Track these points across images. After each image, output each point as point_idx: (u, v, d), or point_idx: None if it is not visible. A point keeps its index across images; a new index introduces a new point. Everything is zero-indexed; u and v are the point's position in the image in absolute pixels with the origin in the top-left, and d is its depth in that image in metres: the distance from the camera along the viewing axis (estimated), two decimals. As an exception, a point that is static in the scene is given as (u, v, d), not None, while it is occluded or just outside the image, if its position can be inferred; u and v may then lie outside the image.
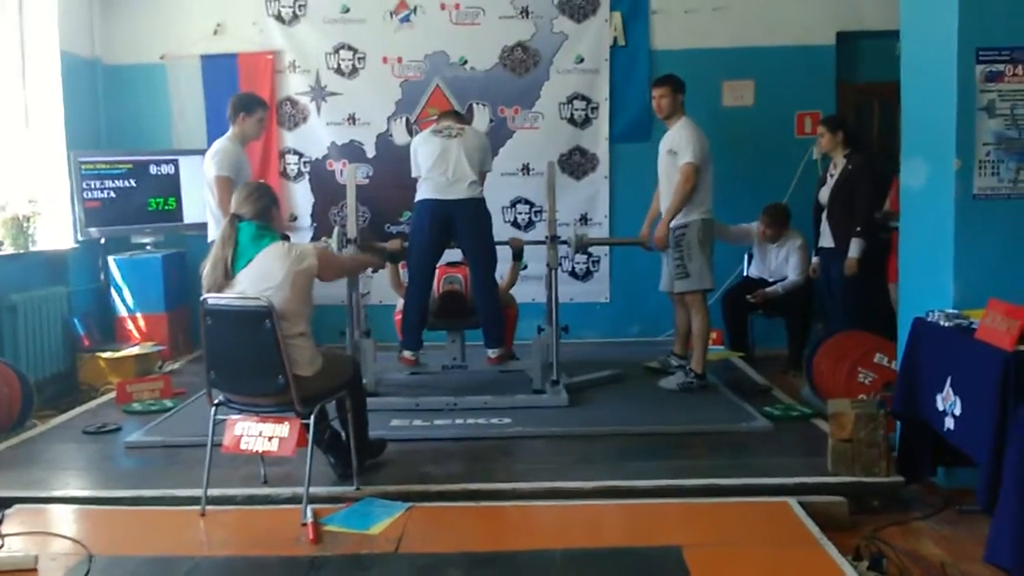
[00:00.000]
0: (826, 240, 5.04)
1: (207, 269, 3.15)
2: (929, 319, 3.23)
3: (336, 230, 4.62)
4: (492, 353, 4.58)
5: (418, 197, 4.50)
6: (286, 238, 3.29)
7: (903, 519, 3.16)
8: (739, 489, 3.27)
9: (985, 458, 2.66)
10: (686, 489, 3.28)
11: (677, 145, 4.62)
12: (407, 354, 4.59)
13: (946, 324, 3.12)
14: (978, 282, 3.21)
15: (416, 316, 4.57)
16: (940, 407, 3.03)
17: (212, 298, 3.09)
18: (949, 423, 2.97)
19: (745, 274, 5.84)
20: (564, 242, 4.72)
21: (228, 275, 3.10)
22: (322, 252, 3.30)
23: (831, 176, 5.07)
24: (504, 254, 4.75)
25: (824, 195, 5.09)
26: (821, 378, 4.45)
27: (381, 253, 4.67)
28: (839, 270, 4.91)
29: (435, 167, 4.41)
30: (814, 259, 5.35)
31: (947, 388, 2.99)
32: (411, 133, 5.98)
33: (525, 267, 5.11)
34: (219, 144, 4.59)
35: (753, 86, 6.14)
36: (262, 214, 3.21)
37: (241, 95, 4.90)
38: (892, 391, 3.51)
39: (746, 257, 5.85)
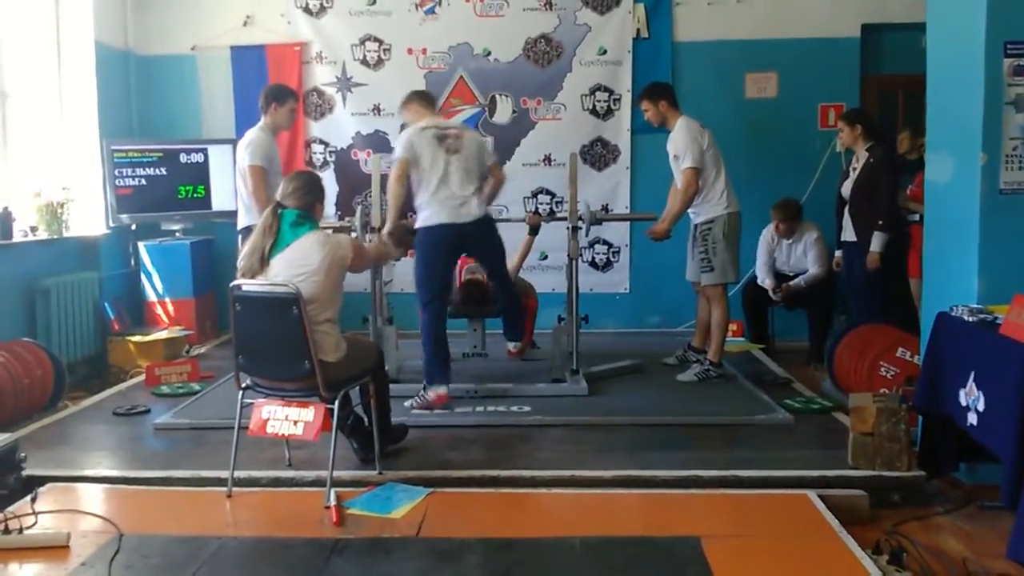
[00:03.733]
0: (848, 234, 5.01)
1: (244, 254, 3.21)
2: (953, 314, 3.21)
3: (359, 211, 4.64)
4: (512, 346, 4.63)
5: (428, 220, 4.19)
6: None
7: (924, 514, 3.15)
8: (758, 481, 3.27)
9: (1009, 454, 2.63)
10: (705, 480, 3.28)
11: (676, 149, 4.66)
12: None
13: (970, 319, 3.09)
14: (1003, 277, 3.20)
15: (443, 349, 4.25)
16: (963, 402, 3.01)
17: (242, 284, 3.15)
18: (972, 418, 2.95)
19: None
20: (580, 218, 4.69)
21: (264, 262, 3.15)
22: (355, 243, 3.35)
23: (853, 170, 5.03)
24: (517, 233, 4.75)
25: (846, 189, 5.06)
26: (842, 371, 4.44)
27: (410, 232, 4.50)
28: (861, 264, 4.88)
29: (441, 186, 4.18)
30: (837, 253, 5.33)
31: (970, 383, 2.97)
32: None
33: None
34: (252, 134, 4.66)
35: (776, 78, 6.12)
36: (307, 207, 3.26)
37: (273, 86, 4.98)
38: (914, 385, 3.50)
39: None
